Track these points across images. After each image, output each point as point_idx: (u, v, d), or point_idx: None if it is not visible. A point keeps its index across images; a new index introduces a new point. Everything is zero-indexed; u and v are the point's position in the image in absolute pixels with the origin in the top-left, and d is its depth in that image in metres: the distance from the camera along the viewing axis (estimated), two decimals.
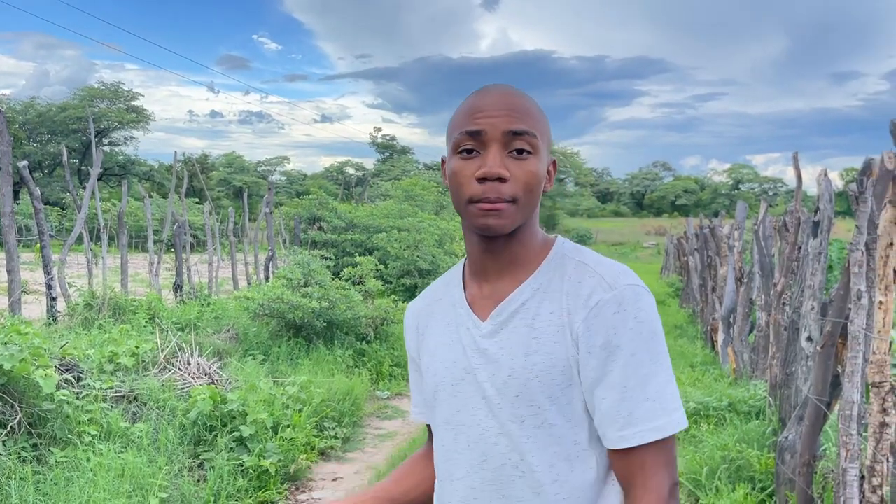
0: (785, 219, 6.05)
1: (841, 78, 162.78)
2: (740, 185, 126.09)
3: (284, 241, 14.66)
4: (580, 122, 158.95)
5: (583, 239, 51.91)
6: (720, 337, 8.71)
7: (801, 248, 5.88)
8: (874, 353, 3.10)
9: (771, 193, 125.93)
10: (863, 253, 3.54)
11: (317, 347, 8.22)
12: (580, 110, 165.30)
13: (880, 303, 3.09)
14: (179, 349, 6.81)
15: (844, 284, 3.96)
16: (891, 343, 3.11)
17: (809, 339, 4.54)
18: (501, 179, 1.17)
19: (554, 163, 1.29)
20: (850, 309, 3.76)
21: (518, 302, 1.24)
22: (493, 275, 1.28)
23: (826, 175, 4.54)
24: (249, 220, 14.58)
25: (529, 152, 1.20)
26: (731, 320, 8.41)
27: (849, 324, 3.58)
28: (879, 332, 3.07)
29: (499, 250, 1.26)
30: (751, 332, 7.65)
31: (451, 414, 1.31)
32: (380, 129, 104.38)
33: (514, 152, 1.19)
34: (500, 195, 1.17)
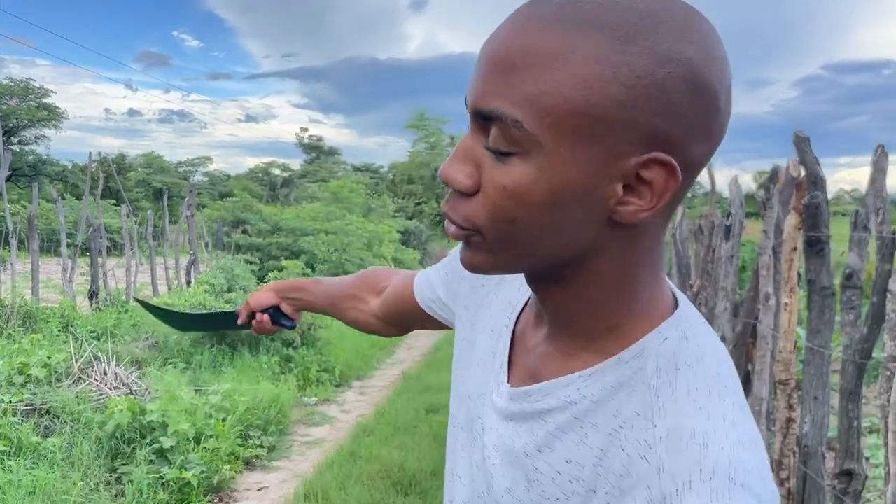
0: (700, 222, 6.31)
1: (754, 85, 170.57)
2: None
3: (207, 245, 14.30)
4: None
5: None
6: None
7: (714, 250, 6.13)
8: (780, 351, 3.27)
9: (690, 195, 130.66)
10: (770, 257, 3.73)
11: (241, 354, 8.06)
12: None
13: (785, 304, 3.26)
14: (95, 359, 6.56)
15: (754, 286, 4.16)
16: (796, 342, 3.29)
17: (723, 338, 4.75)
18: (460, 191, 0.68)
19: (663, 164, 0.62)
20: (758, 309, 3.96)
21: (549, 402, 0.76)
22: (545, 323, 0.80)
23: (737, 181, 4.75)
24: (170, 222, 14.14)
25: (509, 153, 0.64)
26: None
27: (757, 324, 3.77)
28: (785, 331, 3.24)
29: (541, 296, 0.76)
30: None
31: (454, 438, 0.95)
32: (306, 130, 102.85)
33: (489, 151, 0.66)
34: (455, 217, 0.69)
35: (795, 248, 3.18)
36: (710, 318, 5.26)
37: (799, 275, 3.28)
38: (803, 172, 3.95)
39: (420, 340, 13.07)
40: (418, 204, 33.28)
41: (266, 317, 1.49)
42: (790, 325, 3.20)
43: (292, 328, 1.51)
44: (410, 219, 22.17)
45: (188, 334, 8.10)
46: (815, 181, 2.76)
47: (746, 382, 4.09)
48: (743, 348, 4.10)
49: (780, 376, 3.31)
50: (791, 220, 3.18)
